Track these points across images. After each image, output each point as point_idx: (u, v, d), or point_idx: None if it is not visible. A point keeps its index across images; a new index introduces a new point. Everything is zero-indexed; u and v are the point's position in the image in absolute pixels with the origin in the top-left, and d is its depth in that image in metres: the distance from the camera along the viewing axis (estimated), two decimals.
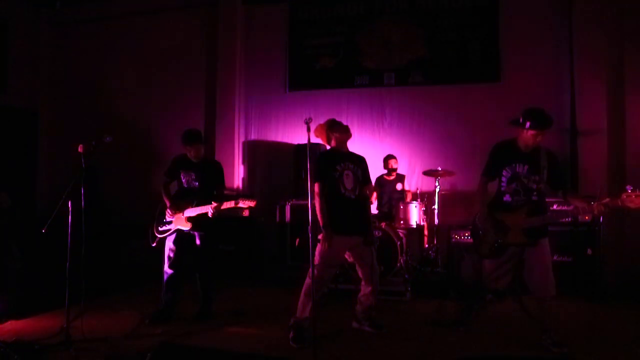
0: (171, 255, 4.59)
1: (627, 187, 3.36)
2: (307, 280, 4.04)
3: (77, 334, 3.82)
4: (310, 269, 3.81)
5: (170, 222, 4.60)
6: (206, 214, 4.31)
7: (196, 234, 4.57)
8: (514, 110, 4.02)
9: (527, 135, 3.75)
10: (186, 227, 4.48)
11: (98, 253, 4.30)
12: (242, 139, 8.01)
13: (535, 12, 7.01)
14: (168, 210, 4.64)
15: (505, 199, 3.88)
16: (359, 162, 4.32)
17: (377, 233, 5.84)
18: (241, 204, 4.17)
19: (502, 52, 7.04)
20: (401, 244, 5.91)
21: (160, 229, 4.67)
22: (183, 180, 4.68)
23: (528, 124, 3.70)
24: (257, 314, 5.00)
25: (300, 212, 6.57)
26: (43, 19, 8.71)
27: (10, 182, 8.03)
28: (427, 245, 6.61)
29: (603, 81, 6.46)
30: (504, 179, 3.88)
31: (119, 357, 3.47)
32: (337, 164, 4.15)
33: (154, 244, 4.67)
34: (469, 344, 4.00)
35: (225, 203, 4.23)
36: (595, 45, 6.53)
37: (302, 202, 6.56)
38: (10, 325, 4.45)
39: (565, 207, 5.18)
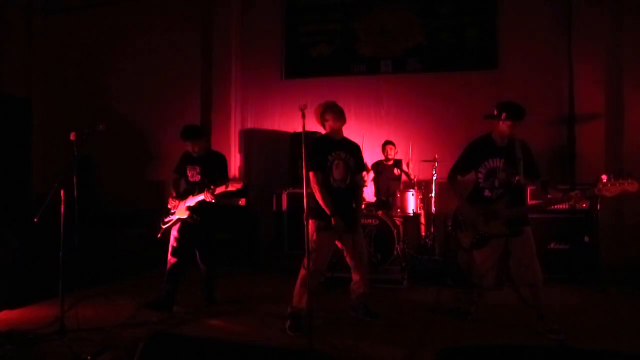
0: (175, 244, 4.65)
1: (603, 176, 3.40)
2: (302, 271, 4.03)
3: (71, 323, 3.79)
4: (306, 260, 3.80)
5: (173, 213, 4.71)
6: (204, 200, 4.38)
7: (198, 224, 4.65)
8: (512, 97, 4.02)
9: (503, 126, 3.83)
10: (184, 215, 4.58)
11: (92, 242, 4.25)
12: (239, 127, 7.95)
13: None
14: (170, 200, 4.77)
15: (485, 193, 3.94)
16: (352, 151, 4.23)
17: (374, 221, 5.83)
18: (231, 187, 4.23)
19: (500, 39, 6.99)
20: (398, 232, 5.89)
21: (165, 220, 4.77)
22: (188, 175, 4.80)
23: (504, 115, 3.79)
24: (254, 302, 4.99)
25: (297, 200, 6.55)
26: (36, 6, 8.59)
27: (5, 170, 7.99)
28: (424, 234, 6.60)
29: (601, 67, 6.43)
30: (480, 174, 3.95)
31: (113, 346, 3.45)
32: (328, 154, 4.08)
33: (158, 235, 4.75)
34: (466, 331, 4.00)
35: (218, 188, 4.29)
36: (594, 30, 6.48)
37: (298, 190, 6.53)
38: (4, 315, 4.42)
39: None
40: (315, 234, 3.98)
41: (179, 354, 3.52)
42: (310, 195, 3.98)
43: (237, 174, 7.82)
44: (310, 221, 3.95)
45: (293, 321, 3.98)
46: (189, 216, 4.58)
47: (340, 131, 4.21)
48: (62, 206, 3.80)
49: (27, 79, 8.53)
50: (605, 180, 3.37)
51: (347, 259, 4.26)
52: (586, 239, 5.34)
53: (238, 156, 7.90)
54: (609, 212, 5.90)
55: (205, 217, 4.65)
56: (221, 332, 3.99)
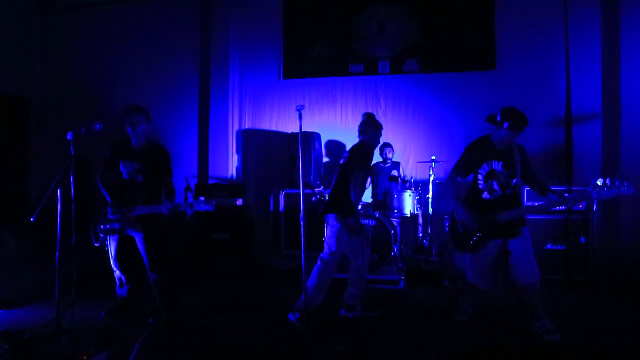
0: (116, 255, 4.23)
1: (598, 179, 3.41)
2: (320, 264, 4.18)
3: (67, 323, 3.80)
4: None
5: (115, 221, 4.04)
6: (159, 212, 3.96)
7: (141, 233, 4.04)
8: (509, 97, 4.05)
9: (504, 134, 3.83)
10: (135, 228, 4.01)
11: (88, 242, 4.24)
12: (236, 127, 7.94)
13: None
14: (110, 207, 4.07)
15: (483, 196, 3.95)
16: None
17: (370, 222, 5.84)
18: (196, 208, 3.88)
19: (497, 39, 6.98)
20: (395, 233, 5.90)
21: (102, 227, 4.11)
22: (123, 172, 4.11)
23: (506, 124, 3.78)
24: (252, 302, 4.99)
25: (294, 200, 6.55)
26: (33, 5, 8.58)
27: (2, 170, 7.97)
28: (421, 234, 6.61)
29: (598, 67, 6.44)
30: (480, 176, 3.96)
31: (109, 346, 3.44)
32: None
33: (97, 244, 4.19)
34: (462, 332, 4.01)
35: (181, 205, 3.99)
36: (591, 31, 6.50)
37: (295, 190, 6.53)
38: (1, 315, 4.43)
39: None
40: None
41: (176, 354, 3.52)
42: (346, 194, 4.20)
43: (234, 175, 7.82)
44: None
45: (302, 315, 3.94)
46: (142, 228, 4.00)
47: None
48: (59, 206, 3.79)
49: (25, 79, 8.52)
50: (601, 184, 3.39)
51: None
52: (582, 240, 5.35)
53: (235, 156, 7.90)
54: (605, 214, 5.92)
55: (155, 225, 4.05)
56: (218, 333, 3.99)
